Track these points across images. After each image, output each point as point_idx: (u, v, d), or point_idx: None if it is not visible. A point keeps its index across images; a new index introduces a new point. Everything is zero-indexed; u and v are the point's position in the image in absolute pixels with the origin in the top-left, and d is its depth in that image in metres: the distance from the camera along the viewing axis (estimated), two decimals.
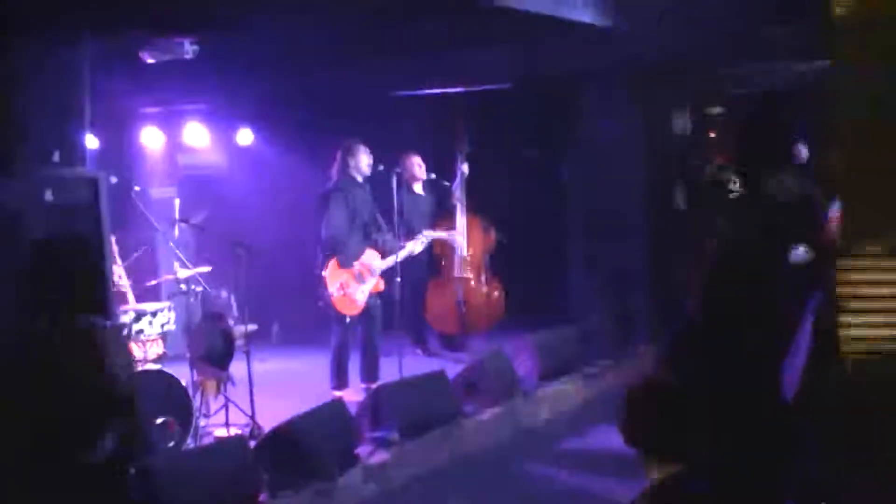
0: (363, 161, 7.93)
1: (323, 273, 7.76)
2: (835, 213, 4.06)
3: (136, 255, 7.68)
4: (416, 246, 8.42)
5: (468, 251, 9.52)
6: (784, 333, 3.30)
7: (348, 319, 7.90)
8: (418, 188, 9.47)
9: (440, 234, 9.29)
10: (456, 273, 9.54)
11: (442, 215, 9.50)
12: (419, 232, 8.77)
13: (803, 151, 9.17)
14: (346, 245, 7.82)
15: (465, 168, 9.52)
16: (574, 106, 9.60)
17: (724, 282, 3.38)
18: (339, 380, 7.96)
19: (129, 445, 3.70)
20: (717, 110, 10.67)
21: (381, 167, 8.00)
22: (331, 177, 7.97)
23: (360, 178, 7.97)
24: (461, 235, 9.48)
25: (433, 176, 9.40)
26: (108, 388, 3.79)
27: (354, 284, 7.82)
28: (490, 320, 9.58)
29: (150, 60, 6.78)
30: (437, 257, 9.62)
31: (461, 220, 9.48)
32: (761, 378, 3.20)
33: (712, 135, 10.93)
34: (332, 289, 7.74)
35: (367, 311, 7.96)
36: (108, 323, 4.88)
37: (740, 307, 3.34)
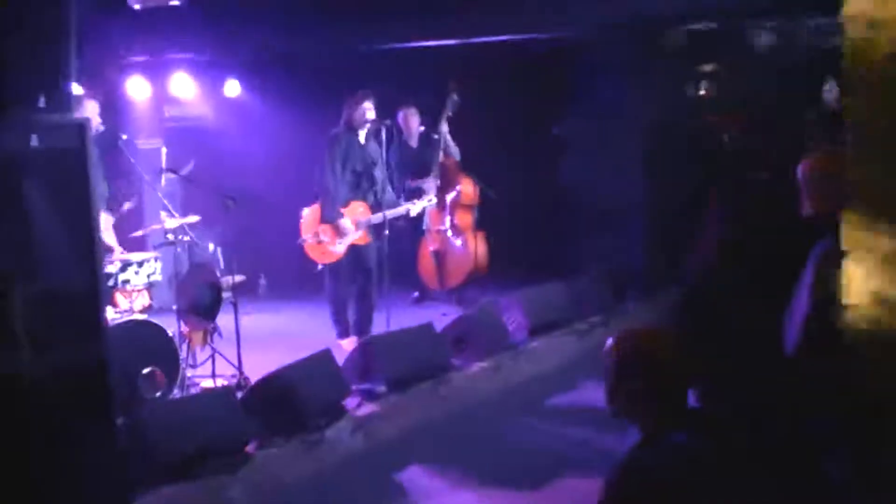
0: (363, 112, 7.85)
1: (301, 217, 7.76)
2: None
3: (126, 206, 7.56)
4: (417, 207, 8.30)
5: (442, 203, 9.38)
6: (790, 282, 3.27)
7: (320, 267, 7.95)
8: (413, 141, 9.51)
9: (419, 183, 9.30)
10: (425, 225, 9.54)
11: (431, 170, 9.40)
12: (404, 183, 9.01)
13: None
14: (334, 197, 7.76)
15: (444, 126, 9.36)
16: (574, 62, 9.46)
17: (740, 229, 3.34)
18: (340, 328, 8.09)
19: None
20: (709, 67, 10.49)
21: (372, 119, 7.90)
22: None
23: (360, 129, 7.89)
24: (432, 188, 9.32)
25: (422, 129, 9.49)
26: None
27: (333, 235, 7.77)
28: (468, 275, 9.47)
29: (137, 6, 6.66)
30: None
31: (435, 173, 9.36)
32: (769, 329, 3.17)
33: (702, 93, 10.78)
34: (306, 235, 7.74)
35: (362, 264, 7.94)
36: None
37: (754, 254, 3.30)
